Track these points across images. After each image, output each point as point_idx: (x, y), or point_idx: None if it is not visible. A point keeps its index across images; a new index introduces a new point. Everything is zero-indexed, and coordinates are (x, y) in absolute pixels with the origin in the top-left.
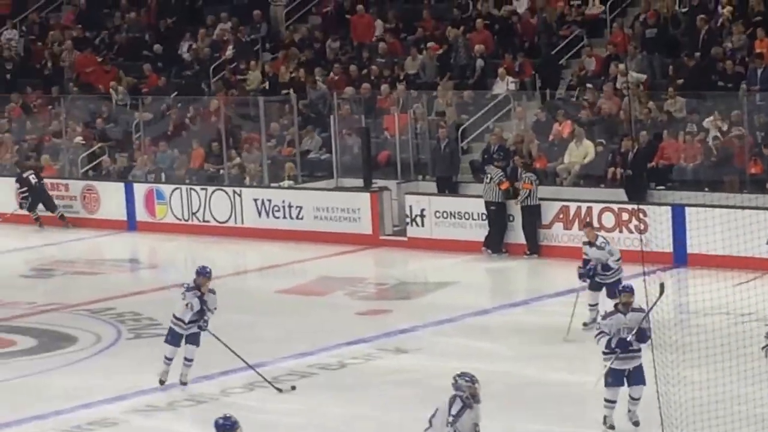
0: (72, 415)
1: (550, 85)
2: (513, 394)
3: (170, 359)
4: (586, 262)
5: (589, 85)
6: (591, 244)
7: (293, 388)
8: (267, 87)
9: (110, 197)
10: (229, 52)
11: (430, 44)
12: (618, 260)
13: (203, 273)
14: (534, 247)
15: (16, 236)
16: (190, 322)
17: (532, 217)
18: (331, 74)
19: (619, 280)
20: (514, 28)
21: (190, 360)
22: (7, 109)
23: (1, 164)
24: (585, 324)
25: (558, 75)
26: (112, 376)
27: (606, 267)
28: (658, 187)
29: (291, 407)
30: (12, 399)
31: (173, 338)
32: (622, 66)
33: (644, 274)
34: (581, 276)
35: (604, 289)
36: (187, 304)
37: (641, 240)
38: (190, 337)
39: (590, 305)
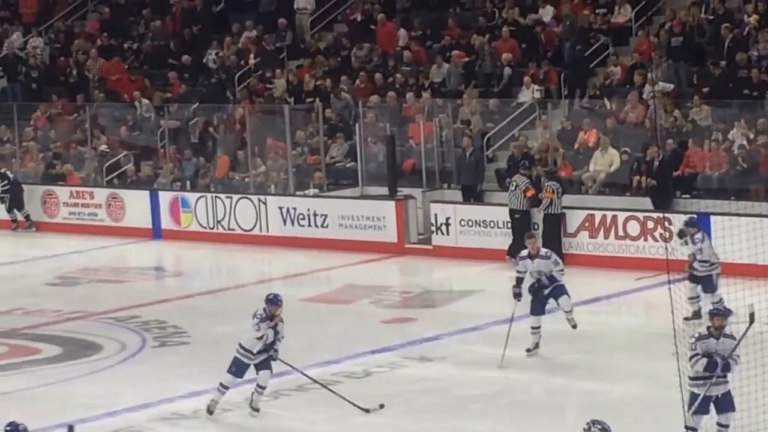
0: (97, 423)
1: (576, 93)
2: (538, 402)
3: (226, 389)
4: (519, 280)
5: (604, 98)
6: (533, 256)
7: (381, 406)
8: (292, 95)
9: (135, 205)
10: (252, 60)
11: (455, 52)
12: (562, 270)
13: (275, 302)
14: None
15: (41, 244)
16: (258, 353)
17: (554, 226)
18: (357, 82)
19: (562, 286)
20: (540, 36)
21: (263, 387)
22: (33, 117)
23: (25, 172)
24: (528, 350)
25: (583, 83)
26: (137, 384)
27: (552, 278)
28: (684, 196)
29: (316, 416)
30: (37, 407)
31: (238, 369)
32: (648, 75)
33: (669, 282)
34: (517, 295)
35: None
36: (261, 336)
37: (666, 248)
38: (261, 364)
39: (534, 328)
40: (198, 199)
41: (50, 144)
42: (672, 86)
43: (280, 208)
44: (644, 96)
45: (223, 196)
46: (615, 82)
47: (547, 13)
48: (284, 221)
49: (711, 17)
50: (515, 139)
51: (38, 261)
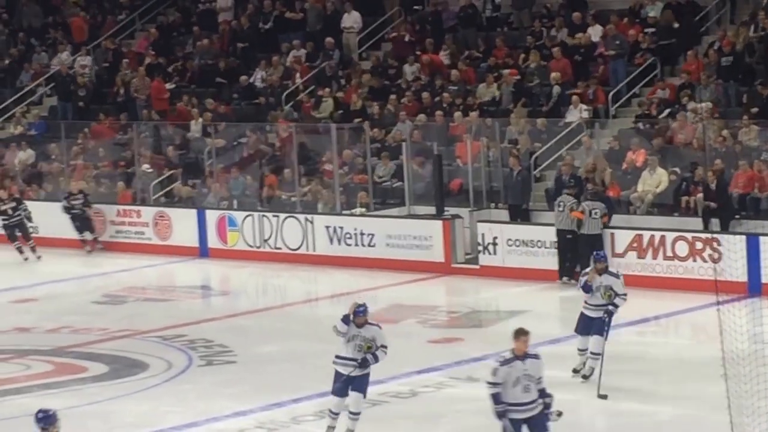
0: None
1: (624, 113)
2: (586, 424)
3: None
4: (497, 397)
5: (645, 116)
6: (521, 356)
7: None
8: (339, 114)
9: (182, 224)
10: (300, 79)
11: (506, 71)
12: (540, 380)
13: None
14: None
15: (88, 262)
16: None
17: (587, 247)
18: (404, 101)
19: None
20: (588, 56)
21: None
22: (81, 135)
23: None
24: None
25: (632, 103)
26: (183, 403)
27: (543, 392)
28: (734, 217)
29: None
30: (83, 425)
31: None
32: (696, 98)
33: (718, 303)
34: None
35: None
36: None
37: (715, 269)
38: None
39: None
40: (245, 218)
41: (97, 162)
42: (711, 104)
43: (327, 227)
44: (688, 115)
45: (270, 214)
46: (663, 102)
47: (595, 32)
48: (331, 240)
49: (761, 35)
50: (563, 159)
51: (85, 279)
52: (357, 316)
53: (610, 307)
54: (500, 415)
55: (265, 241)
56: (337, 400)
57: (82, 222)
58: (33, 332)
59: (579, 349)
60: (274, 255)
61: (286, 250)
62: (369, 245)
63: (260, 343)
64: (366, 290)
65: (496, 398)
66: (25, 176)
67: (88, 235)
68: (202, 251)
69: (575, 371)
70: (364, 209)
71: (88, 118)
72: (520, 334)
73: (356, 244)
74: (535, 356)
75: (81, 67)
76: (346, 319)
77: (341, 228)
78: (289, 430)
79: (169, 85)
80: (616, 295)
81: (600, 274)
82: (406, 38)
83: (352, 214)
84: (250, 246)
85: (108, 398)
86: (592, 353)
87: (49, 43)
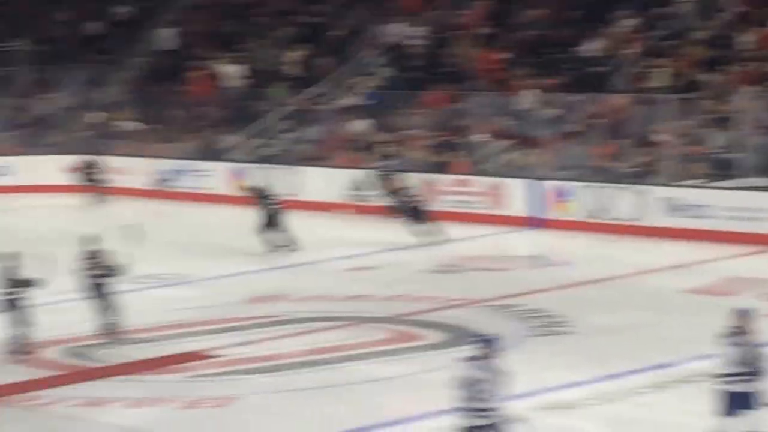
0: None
1: None
2: None
3: None
4: None
5: None
6: None
7: None
8: (673, 85)
9: (516, 193)
10: (635, 48)
11: None
12: None
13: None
14: None
15: (421, 232)
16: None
17: None
18: (740, 71)
19: None
20: None
21: None
22: (416, 105)
23: (410, 160)
24: None
25: None
26: (518, 373)
27: None
28: None
29: (701, 408)
30: (419, 393)
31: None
32: None
33: None
34: None
35: None
36: None
37: None
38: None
39: None
40: (580, 188)
41: (431, 133)
42: None
43: (663, 198)
44: None
45: (605, 185)
46: None
47: None
48: (667, 211)
49: None
50: None
51: (419, 248)
52: (745, 318)
53: None
54: None
55: (600, 211)
56: (729, 420)
57: (417, 215)
58: (369, 300)
59: None
60: (609, 226)
61: (620, 221)
62: (706, 217)
63: (596, 314)
64: (702, 262)
65: None
66: (360, 146)
67: (423, 228)
68: (536, 221)
69: None
70: (701, 180)
71: (420, 89)
72: None
73: (693, 216)
74: None
75: (415, 37)
76: (736, 336)
77: (678, 199)
78: (625, 403)
79: (501, 56)
80: None
81: None
82: (742, 8)
83: (687, 186)
84: (585, 216)
85: (444, 366)
86: None
87: (382, 15)
